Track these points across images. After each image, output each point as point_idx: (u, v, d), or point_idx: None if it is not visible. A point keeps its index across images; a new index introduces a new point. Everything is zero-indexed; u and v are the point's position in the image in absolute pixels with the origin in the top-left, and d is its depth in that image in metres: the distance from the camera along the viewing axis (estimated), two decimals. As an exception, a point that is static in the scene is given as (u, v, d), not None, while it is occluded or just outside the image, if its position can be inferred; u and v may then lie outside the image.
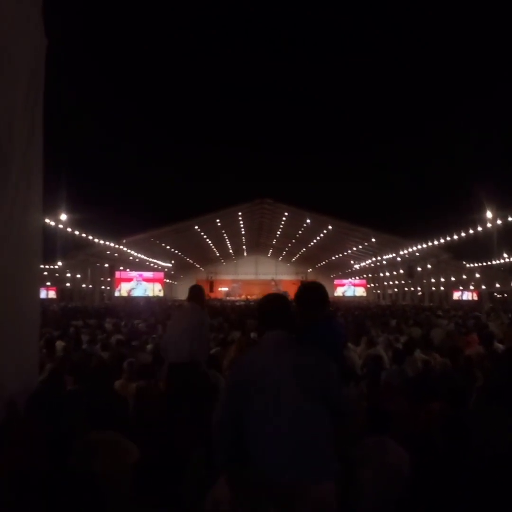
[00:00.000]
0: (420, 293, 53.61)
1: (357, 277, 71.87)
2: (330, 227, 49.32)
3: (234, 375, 2.92)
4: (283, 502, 2.53)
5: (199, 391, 4.98)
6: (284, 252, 73.61)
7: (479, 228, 33.00)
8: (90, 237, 39.41)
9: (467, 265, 53.11)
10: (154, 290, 59.07)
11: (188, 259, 69.37)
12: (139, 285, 57.98)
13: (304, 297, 3.41)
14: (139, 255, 54.24)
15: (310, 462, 2.57)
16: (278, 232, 61.04)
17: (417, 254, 46.95)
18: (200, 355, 5.82)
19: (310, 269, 76.08)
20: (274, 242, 69.29)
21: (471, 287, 58.43)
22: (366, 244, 53.20)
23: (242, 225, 56.45)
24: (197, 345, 5.79)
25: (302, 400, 2.65)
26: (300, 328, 3.20)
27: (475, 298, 55.30)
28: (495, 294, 56.21)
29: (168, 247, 57.16)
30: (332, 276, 74.34)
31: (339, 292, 67.57)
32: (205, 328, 6.19)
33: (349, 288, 70.44)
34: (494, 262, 45.62)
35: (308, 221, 48.88)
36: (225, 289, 71.99)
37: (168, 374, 5.78)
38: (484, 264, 49.59)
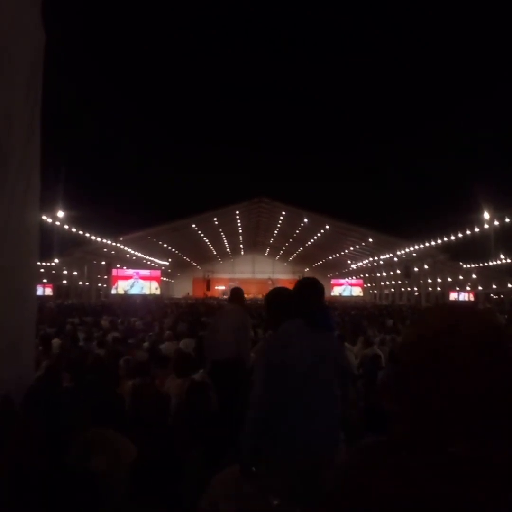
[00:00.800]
0: (416, 294, 53.67)
1: (354, 277, 71.91)
2: (327, 226, 49.36)
3: (269, 358, 3.11)
4: (311, 471, 2.83)
5: (245, 388, 5.20)
6: (281, 251, 73.64)
7: (476, 229, 33.07)
8: (87, 235, 39.40)
9: (464, 266, 53.19)
10: (151, 288, 58.94)
11: (185, 258, 69.31)
12: (136, 283, 57.86)
13: (304, 291, 3.72)
14: (136, 253, 54.19)
15: (332, 431, 3.04)
16: (275, 231, 61.05)
17: (414, 254, 47.00)
18: (244, 354, 6.17)
19: (307, 269, 76.08)
20: (271, 241, 69.30)
21: (468, 288, 58.52)
22: (363, 244, 53.26)
23: (239, 224, 56.44)
24: (242, 345, 6.17)
25: (326, 381, 3.06)
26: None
27: (472, 299, 55.39)
28: (492, 295, 56.34)
29: (165, 245, 57.12)
30: (329, 275, 74.38)
31: (336, 292, 67.54)
32: (248, 329, 6.67)
33: (346, 288, 70.42)
34: (491, 263, 45.68)
35: (306, 220, 48.92)
36: (222, 287, 71.90)
37: (212, 371, 6.02)
38: (481, 265, 49.68)
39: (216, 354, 6.13)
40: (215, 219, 51.07)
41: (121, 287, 56.74)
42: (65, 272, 51.68)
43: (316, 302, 3.62)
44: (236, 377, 5.62)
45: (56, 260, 44.77)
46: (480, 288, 54.05)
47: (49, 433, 3.52)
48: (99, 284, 54.85)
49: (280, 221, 54.86)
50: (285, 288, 3.72)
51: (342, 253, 62.65)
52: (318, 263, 73.34)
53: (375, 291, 65.94)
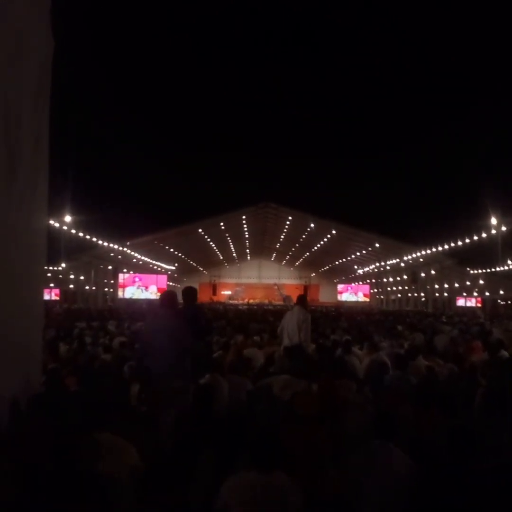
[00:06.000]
0: (423, 299, 53.46)
1: (360, 282, 71.70)
2: (333, 231, 49.27)
3: (145, 328, 6.49)
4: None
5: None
6: (288, 256, 73.57)
7: (484, 235, 32.89)
8: (94, 239, 39.47)
9: (471, 272, 52.95)
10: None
11: (191, 262, 69.39)
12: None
13: (183, 295, 6.55)
14: (143, 258, 54.27)
15: (178, 362, 5.66)
16: (282, 236, 61.02)
17: (421, 260, 46.86)
18: (306, 341, 8.63)
19: (313, 274, 76.01)
20: (277, 246, 69.27)
21: (475, 294, 58.17)
22: (369, 249, 53.12)
23: (246, 229, 56.47)
24: (304, 334, 8.57)
25: (176, 340, 5.69)
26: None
27: (479, 305, 55.05)
28: (499, 300, 56.03)
29: (171, 250, 57.18)
30: (335, 280, 74.26)
31: (343, 297, 67.32)
32: (309, 322, 8.82)
33: (352, 294, 70.03)
34: (498, 269, 45.46)
35: (312, 225, 48.87)
36: (228, 292, 71.87)
37: (284, 354, 7.99)
38: (488, 270, 49.44)
39: (286, 342, 8.52)
40: (221, 224, 51.11)
41: (129, 293, 56.44)
42: (72, 276, 51.81)
43: (188, 301, 6.47)
44: (301, 357, 7.53)
45: (63, 265, 44.89)
46: (487, 294, 53.77)
47: (55, 436, 3.52)
48: (106, 289, 54.91)
49: (286, 226, 54.84)
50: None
51: (349, 258, 62.52)
52: (325, 268, 73.23)
53: (382, 297, 65.74)
